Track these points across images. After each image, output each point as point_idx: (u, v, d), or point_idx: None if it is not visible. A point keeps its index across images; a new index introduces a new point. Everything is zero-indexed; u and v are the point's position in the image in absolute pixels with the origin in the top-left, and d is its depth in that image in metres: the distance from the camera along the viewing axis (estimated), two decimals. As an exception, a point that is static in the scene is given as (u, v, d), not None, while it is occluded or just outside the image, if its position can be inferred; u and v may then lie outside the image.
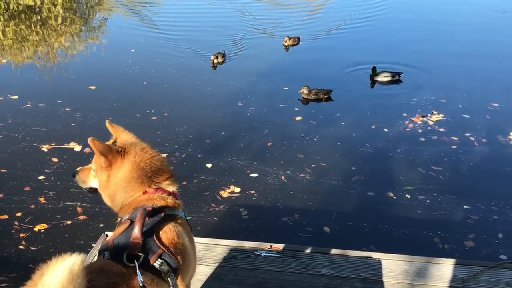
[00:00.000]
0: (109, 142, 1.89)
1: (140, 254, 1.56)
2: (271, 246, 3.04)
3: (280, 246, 3.06)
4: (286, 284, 2.74)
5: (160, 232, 1.68)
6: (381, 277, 2.81)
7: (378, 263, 2.92)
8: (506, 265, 2.95)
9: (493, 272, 2.86)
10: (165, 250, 1.63)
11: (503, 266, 2.93)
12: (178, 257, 1.66)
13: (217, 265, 2.87)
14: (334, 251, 3.04)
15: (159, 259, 1.59)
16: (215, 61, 7.99)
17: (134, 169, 1.81)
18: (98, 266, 1.46)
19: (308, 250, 3.03)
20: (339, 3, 11.84)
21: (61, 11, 11.75)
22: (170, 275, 1.59)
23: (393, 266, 2.91)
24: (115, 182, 1.82)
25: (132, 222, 1.67)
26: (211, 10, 11.41)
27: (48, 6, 12.02)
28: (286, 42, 8.88)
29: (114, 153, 1.81)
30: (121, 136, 1.92)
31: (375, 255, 3.01)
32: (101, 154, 1.80)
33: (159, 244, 1.63)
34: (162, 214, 1.73)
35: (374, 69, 7.51)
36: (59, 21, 10.98)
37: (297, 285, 2.75)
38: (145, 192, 1.80)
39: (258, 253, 2.98)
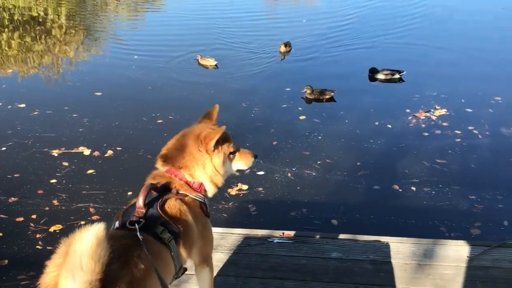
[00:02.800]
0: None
1: (141, 220, 1.67)
2: (283, 233, 3.14)
3: (292, 233, 3.15)
4: (298, 267, 2.83)
5: (165, 206, 1.80)
6: (389, 259, 2.89)
7: (387, 246, 3.00)
8: (509, 244, 3.03)
9: (497, 251, 2.95)
10: (167, 220, 1.74)
11: (506, 245, 3.01)
12: (180, 227, 1.77)
13: (232, 252, 2.97)
14: (343, 236, 3.13)
15: (160, 226, 1.70)
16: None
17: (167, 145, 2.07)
18: (108, 234, 1.57)
19: (319, 236, 3.13)
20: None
21: (64, 21, 11.93)
22: (171, 241, 1.69)
23: (401, 248, 2.99)
24: None
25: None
26: (208, 17, 11.57)
27: (51, 16, 12.21)
28: (281, 48, 8.76)
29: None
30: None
31: (384, 238, 3.09)
32: None
33: (162, 214, 1.75)
34: (171, 190, 1.86)
35: (372, 69, 7.63)
36: (63, 31, 11.16)
37: (309, 268, 2.84)
38: (168, 170, 1.94)
39: (271, 240, 3.07)
